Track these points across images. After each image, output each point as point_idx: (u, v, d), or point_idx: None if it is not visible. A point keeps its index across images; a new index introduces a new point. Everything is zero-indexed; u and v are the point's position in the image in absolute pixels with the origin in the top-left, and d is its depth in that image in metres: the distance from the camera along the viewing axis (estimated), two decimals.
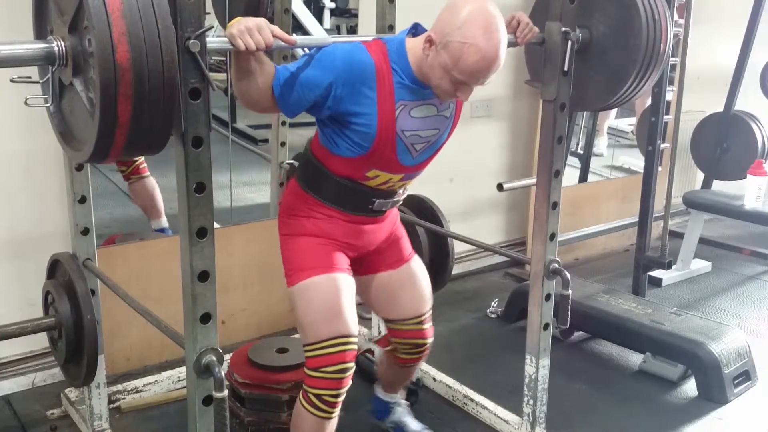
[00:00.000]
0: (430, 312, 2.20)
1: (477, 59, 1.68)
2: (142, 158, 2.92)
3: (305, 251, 1.96)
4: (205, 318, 1.56)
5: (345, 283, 1.95)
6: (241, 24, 1.53)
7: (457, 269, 3.26)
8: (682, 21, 3.51)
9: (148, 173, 3.01)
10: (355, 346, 1.92)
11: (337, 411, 1.93)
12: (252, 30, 1.52)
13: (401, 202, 2.10)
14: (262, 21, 1.54)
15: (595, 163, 4.62)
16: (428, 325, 2.19)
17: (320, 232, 1.97)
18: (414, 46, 1.80)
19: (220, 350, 1.58)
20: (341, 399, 1.92)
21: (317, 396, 1.88)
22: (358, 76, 1.74)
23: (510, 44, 1.99)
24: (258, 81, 1.69)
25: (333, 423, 1.95)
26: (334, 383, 1.88)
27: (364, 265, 2.13)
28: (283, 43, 1.60)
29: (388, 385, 2.42)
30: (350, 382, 1.92)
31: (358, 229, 2.01)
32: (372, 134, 1.80)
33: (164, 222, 3.09)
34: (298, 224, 1.98)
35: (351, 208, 1.97)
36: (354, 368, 1.92)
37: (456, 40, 1.67)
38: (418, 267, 2.19)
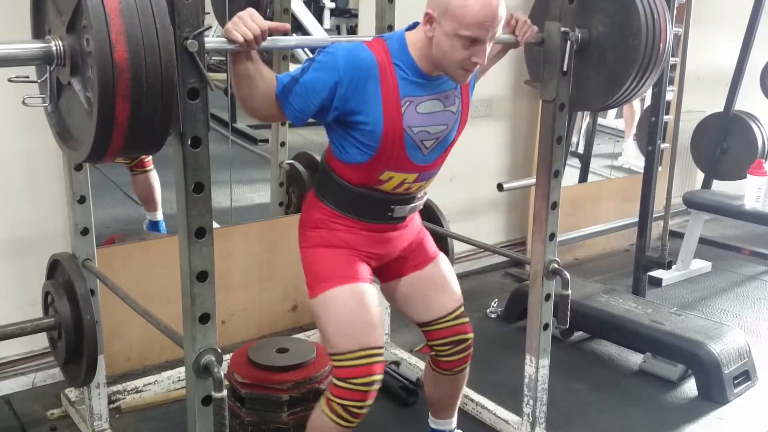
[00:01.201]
0: (463, 307, 2.16)
1: (479, 7, 1.67)
2: None
3: (327, 262, 1.93)
4: (204, 318, 1.56)
5: (369, 293, 1.92)
6: (234, 18, 1.52)
7: (457, 269, 3.23)
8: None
9: (151, 167, 3.07)
10: (382, 358, 1.90)
11: (359, 421, 1.91)
12: (244, 18, 1.51)
13: (421, 207, 2.08)
14: (251, 9, 1.53)
15: (595, 163, 4.63)
16: (466, 319, 2.15)
17: (341, 242, 1.94)
18: (414, 38, 1.80)
19: (219, 350, 1.58)
20: (366, 410, 1.89)
21: (343, 407, 1.86)
22: (361, 73, 1.73)
23: (510, 44, 2.01)
24: (259, 87, 1.67)
25: None
26: (361, 395, 1.86)
27: (388, 271, 2.10)
28: (280, 42, 1.60)
29: (439, 407, 2.30)
30: (376, 393, 1.90)
31: (380, 238, 1.99)
32: (378, 132, 1.78)
33: (159, 215, 3.15)
34: (318, 236, 1.95)
35: (370, 216, 1.94)
36: (381, 380, 1.90)
37: None
38: (444, 263, 2.16)
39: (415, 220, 2.12)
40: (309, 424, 1.98)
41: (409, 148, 1.84)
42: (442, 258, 2.16)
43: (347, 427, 1.90)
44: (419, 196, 2.02)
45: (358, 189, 1.90)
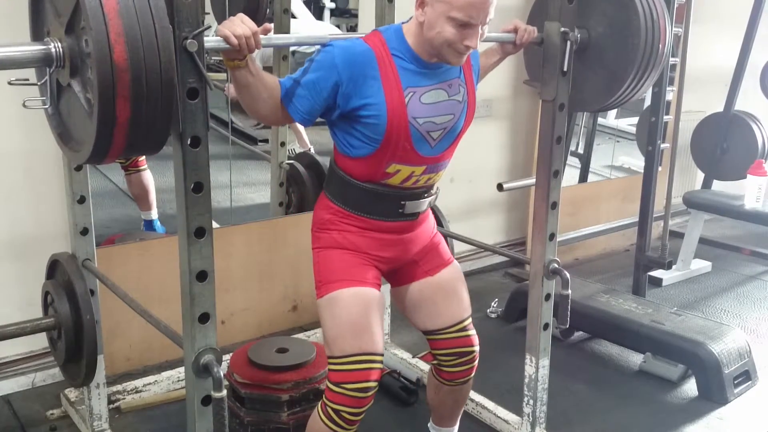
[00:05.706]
0: (471, 319, 2.12)
1: None
2: None
3: (334, 264, 1.91)
4: (204, 318, 1.56)
5: (373, 298, 1.89)
6: (224, 22, 1.52)
7: None
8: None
9: (145, 166, 3.10)
10: (380, 365, 1.87)
11: (355, 428, 1.88)
12: (234, 20, 1.51)
13: (433, 204, 2.05)
14: (241, 14, 1.53)
15: (595, 163, 4.62)
16: (472, 332, 2.10)
17: (350, 245, 1.92)
18: (410, 27, 1.81)
19: (219, 350, 1.58)
20: (360, 417, 1.87)
21: (336, 411, 1.84)
22: (359, 68, 1.74)
23: (508, 48, 2.02)
24: (262, 95, 1.68)
25: None
26: (354, 401, 1.83)
27: (400, 276, 2.07)
28: (280, 40, 1.60)
29: (440, 416, 2.27)
30: (372, 401, 1.87)
31: (391, 240, 1.96)
32: (382, 124, 1.76)
33: (153, 214, 3.17)
34: (329, 237, 1.94)
35: (380, 213, 1.91)
36: (377, 388, 1.87)
37: None
38: (456, 272, 2.10)
39: (429, 224, 2.08)
40: (307, 427, 1.96)
41: (416, 140, 1.82)
42: (455, 266, 2.11)
43: None
44: (430, 190, 1.98)
45: (365, 184, 1.87)
